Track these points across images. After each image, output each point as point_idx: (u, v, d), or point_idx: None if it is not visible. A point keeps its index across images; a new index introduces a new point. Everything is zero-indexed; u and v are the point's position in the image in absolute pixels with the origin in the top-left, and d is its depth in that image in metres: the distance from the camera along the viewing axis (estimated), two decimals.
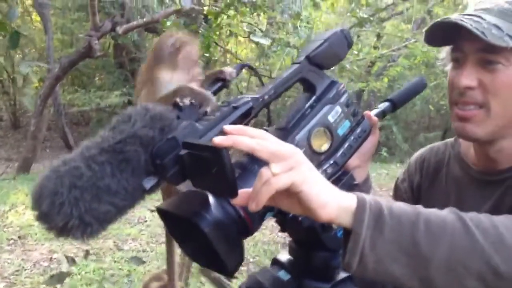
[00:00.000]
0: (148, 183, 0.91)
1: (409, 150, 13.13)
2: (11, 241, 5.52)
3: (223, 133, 0.82)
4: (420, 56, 8.48)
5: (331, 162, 1.07)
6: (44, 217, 0.88)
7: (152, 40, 15.12)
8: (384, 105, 1.28)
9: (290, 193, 0.82)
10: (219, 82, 1.05)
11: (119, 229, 6.12)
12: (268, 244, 5.67)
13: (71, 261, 2.56)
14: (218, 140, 0.77)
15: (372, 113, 1.20)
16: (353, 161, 1.15)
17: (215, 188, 0.86)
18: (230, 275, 0.93)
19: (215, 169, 0.80)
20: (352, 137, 1.11)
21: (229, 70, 1.12)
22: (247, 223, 0.93)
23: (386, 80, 9.86)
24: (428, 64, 10.52)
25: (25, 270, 4.77)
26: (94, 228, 0.89)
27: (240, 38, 9.82)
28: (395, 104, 1.29)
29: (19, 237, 5.63)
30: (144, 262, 4.65)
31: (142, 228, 6.34)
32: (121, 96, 12.15)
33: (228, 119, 0.94)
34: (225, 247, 0.89)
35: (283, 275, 1.14)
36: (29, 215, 6.51)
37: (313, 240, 1.07)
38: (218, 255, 0.90)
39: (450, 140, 1.44)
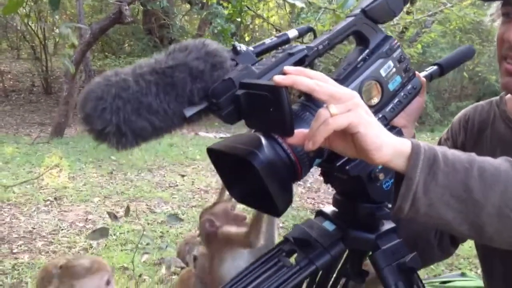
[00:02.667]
0: (189, 111, 0.94)
1: (439, 119, 12.94)
2: (48, 202, 5.67)
3: (281, 74, 0.83)
4: (456, 21, 8.27)
5: (380, 116, 1.07)
6: (86, 119, 0.92)
7: (181, 7, 15.09)
8: (432, 69, 1.28)
9: (346, 134, 0.83)
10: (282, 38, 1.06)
11: (151, 192, 6.25)
12: (297, 210, 5.72)
13: (113, 217, 2.63)
14: (279, 79, 0.79)
15: (421, 75, 1.20)
16: (399, 121, 1.15)
17: (271, 127, 0.88)
18: (278, 215, 0.96)
19: (273, 108, 0.81)
20: (402, 93, 1.11)
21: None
22: (297, 167, 0.95)
23: (419, 46, 9.68)
24: (463, 30, 10.25)
25: (62, 229, 4.91)
26: (129, 139, 0.94)
27: (270, 4, 9.71)
28: (443, 69, 1.29)
29: (55, 199, 5.79)
30: (182, 220, 4.76)
31: (173, 192, 6.45)
32: None
33: (283, 65, 0.95)
34: (276, 186, 0.92)
35: (328, 225, 1.16)
36: (64, 177, 6.67)
37: (359, 191, 1.08)
38: (269, 195, 0.92)
39: (495, 98, 1.43)
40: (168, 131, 0.97)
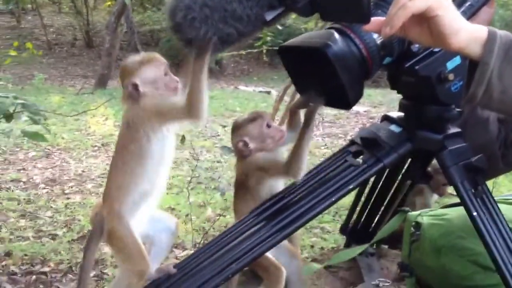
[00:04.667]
0: (270, 15, 0.98)
1: None
2: (95, 148, 5.84)
3: None
4: None
5: None
6: (176, 27, 1.01)
7: None
8: None
9: (422, 21, 0.84)
10: None
11: (193, 141, 6.34)
12: None
13: None
14: None
15: None
16: None
17: (347, 16, 0.90)
18: (349, 107, 1.00)
19: None
20: None
21: None
22: (368, 64, 0.98)
23: None
24: None
25: None
26: (216, 46, 1.03)
27: None
28: None
29: (102, 145, 5.95)
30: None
31: (215, 141, 6.53)
32: None
33: None
34: (348, 77, 0.95)
35: (395, 128, 1.19)
36: (110, 125, 6.84)
37: (427, 94, 1.10)
38: (339, 88, 0.96)
39: None
40: (250, 35, 1.03)
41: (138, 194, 1.44)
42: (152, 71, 1.39)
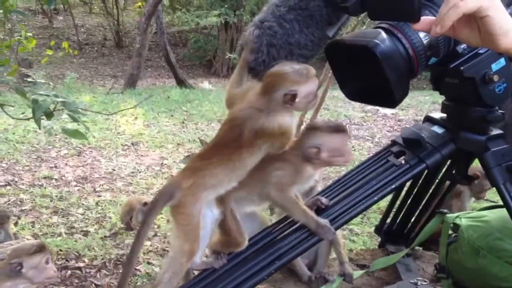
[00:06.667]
0: (332, 31, 1.03)
1: None
2: (125, 147, 5.93)
3: None
4: None
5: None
6: (252, 72, 1.16)
7: None
8: None
9: (472, 21, 0.85)
10: None
11: None
12: None
13: (205, 144, 2.80)
14: None
15: None
16: None
17: (397, 14, 0.91)
18: (394, 105, 1.02)
19: None
20: None
21: None
22: (414, 63, 1.00)
23: None
24: None
25: (140, 172, 5.11)
26: None
27: None
28: None
29: (132, 144, 6.03)
30: None
31: None
32: (219, 16, 12.28)
33: None
34: (395, 75, 0.97)
35: (437, 129, 1.19)
36: (140, 124, 6.92)
37: (470, 95, 1.11)
38: (385, 87, 0.98)
39: None
40: (317, 53, 1.10)
41: (224, 189, 1.50)
42: (312, 86, 1.34)
